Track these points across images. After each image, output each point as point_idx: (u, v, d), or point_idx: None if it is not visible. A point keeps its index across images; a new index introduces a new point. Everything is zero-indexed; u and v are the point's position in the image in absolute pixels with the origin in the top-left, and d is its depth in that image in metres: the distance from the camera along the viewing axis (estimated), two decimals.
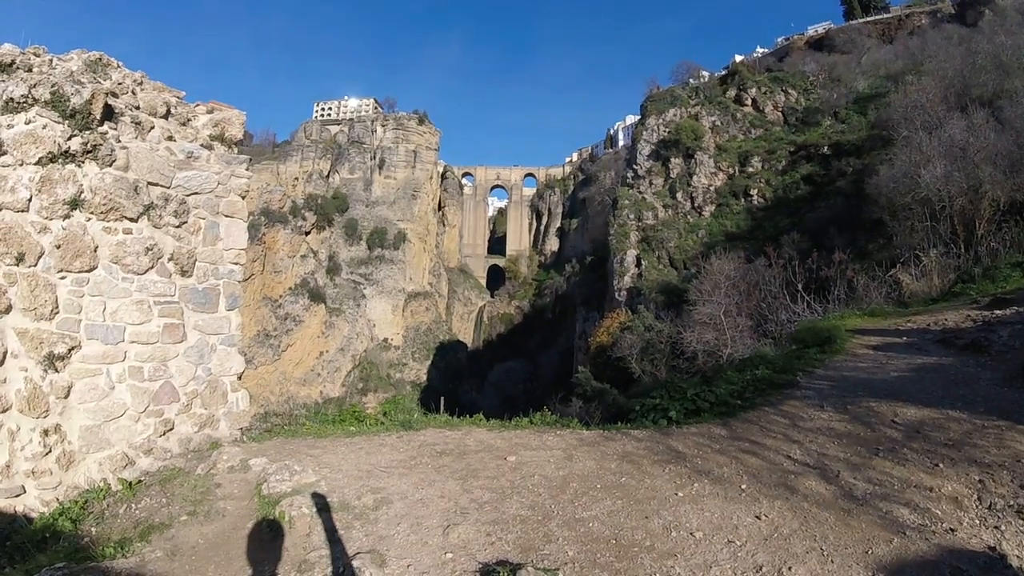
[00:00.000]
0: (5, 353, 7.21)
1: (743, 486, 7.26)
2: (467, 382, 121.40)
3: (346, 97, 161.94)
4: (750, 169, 75.66)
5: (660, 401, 12.17)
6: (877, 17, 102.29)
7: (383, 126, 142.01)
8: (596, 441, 9.77)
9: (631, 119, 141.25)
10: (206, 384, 9.20)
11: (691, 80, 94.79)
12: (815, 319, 20.90)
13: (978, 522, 5.90)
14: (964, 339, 13.60)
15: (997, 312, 15.99)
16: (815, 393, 11.19)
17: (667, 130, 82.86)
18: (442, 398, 25.74)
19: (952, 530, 5.78)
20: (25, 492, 7.18)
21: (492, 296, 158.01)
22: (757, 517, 6.39)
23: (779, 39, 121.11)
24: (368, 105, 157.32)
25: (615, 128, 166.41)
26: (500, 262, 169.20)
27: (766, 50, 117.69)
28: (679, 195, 78.66)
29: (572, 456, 8.86)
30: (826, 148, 68.99)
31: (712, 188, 77.10)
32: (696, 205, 77.11)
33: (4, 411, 7.11)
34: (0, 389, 7.13)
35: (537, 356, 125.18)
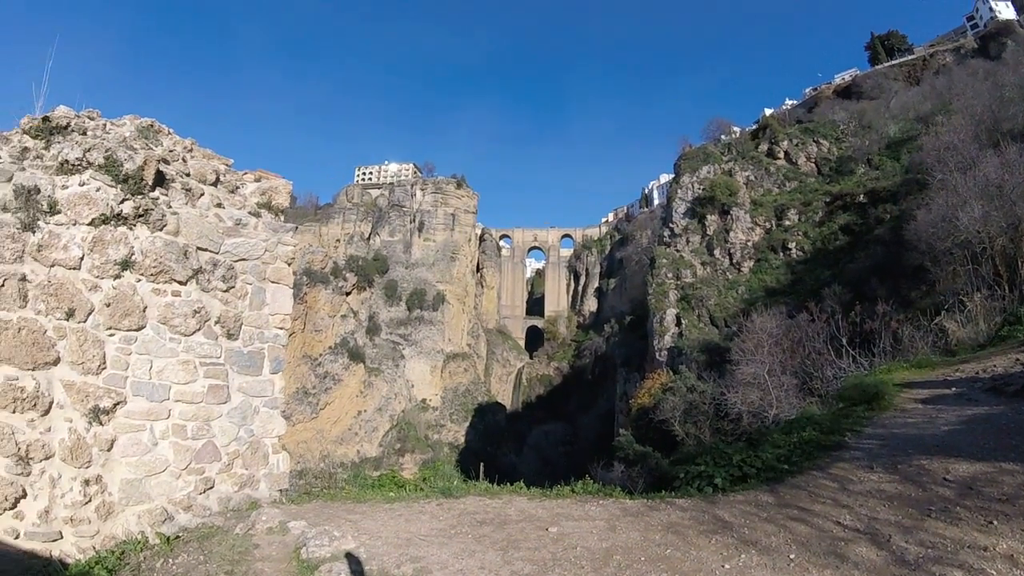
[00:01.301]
0: (51, 403, 7.44)
1: (792, 556, 7.00)
2: (506, 444, 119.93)
3: (386, 162, 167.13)
4: (787, 222, 75.30)
5: (705, 468, 11.88)
6: (902, 60, 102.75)
7: (422, 190, 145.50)
8: (640, 511, 9.53)
9: (665, 178, 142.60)
10: (248, 445, 9.30)
11: (723, 136, 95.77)
12: (861, 374, 20.41)
13: None
14: (1014, 385, 13.18)
15: None
16: (864, 453, 10.85)
17: (701, 187, 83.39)
18: (481, 464, 25.42)
19: None
20: (62, 538, 7.29)
21: (531, 357, 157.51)
22: None
23: (807, 90, 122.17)
24: (407, 169, 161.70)
25: (650, 187, 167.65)
26: (538, 323, 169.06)
27: (795, 102, 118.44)
28: (717, 252, 78.45)
29: (615, 527, 8.64)
30: (862, 196, 68.35)
31: (750, 243, 76.79)
32: (734, 261, 76.72)
33: (47, 458, 7.29)
34: (44, 437, 7.32)
35: (577, 418, 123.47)
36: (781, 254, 73.10)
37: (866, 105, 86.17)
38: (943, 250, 31.19)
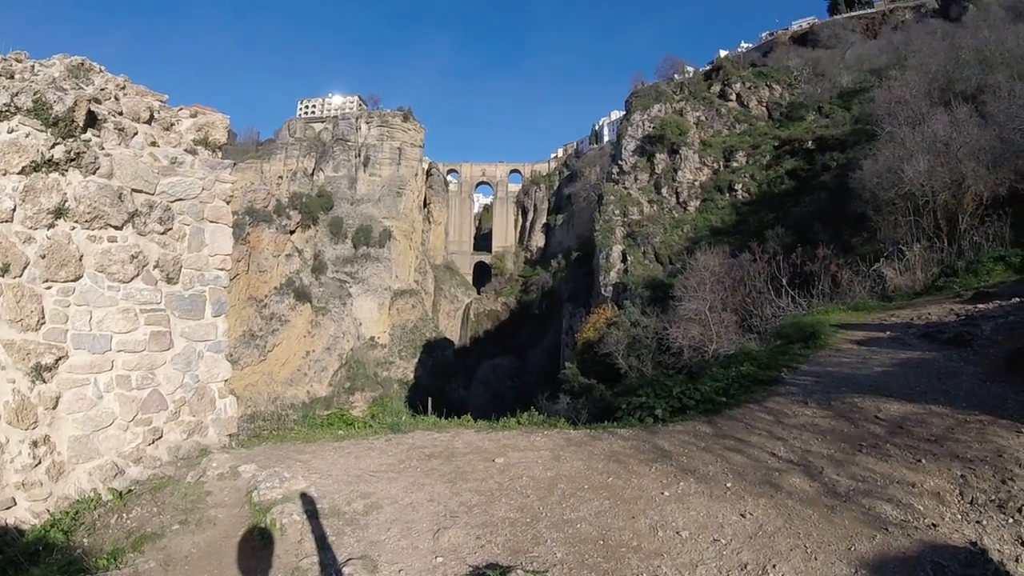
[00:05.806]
0: None
1: (728, 484, 7.35)
2: (455, 379, 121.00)
3: (330, 94, 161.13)
4: (735, 164, 75.89)
5: (646, 399, 12.28)
6: (861, 12, 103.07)
7: (367, 123, 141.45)
8: (583, 441, 9.85)
9: (616, 115, 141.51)
10: (194, 391, 9.15)
11: (676, 76, 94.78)
12: (799, 314, 21.09)
13: (960, 517, 6.01)
14: (947, 333, 13.79)
15: (980, 306, 16.26)
16: (799, 389, 11.32)
17: (652, 125, 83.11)
18: (430, 399, 25.62)
19: (934, 525, 5.88)
20: (16, 504, 7.09)
21: (479, 293, 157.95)
22: (742, 515, 6.49)
23: (763, 34, 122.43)
24: (352, 102, 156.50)
25: (600, 124, 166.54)
26: (486, 259, 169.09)
27: (750, 45, 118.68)
28: (664, 190, 78.92)
29: (560, 456, 8.93)
30: (810, 143, 69.16)
31: (697, 183, 77.31)
32: (681, 200, 77.30)
33: None
34: None
35: (524, 352, 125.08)
36: (727, 195, 73.80)
37: (821, 54, 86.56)
38: (886, 200, 31.64)
